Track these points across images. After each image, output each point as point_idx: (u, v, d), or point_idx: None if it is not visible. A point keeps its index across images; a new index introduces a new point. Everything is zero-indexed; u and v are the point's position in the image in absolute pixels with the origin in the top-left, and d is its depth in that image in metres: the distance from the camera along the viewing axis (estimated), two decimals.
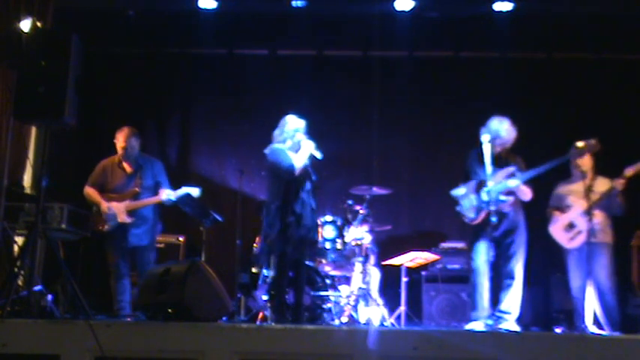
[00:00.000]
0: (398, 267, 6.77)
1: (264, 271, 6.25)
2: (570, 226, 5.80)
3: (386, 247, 7.16)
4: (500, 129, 5.50)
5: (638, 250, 6.45)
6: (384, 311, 6.32)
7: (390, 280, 6.90)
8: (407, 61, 8.11)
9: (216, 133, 8.24)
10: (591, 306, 5.54)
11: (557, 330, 6.11)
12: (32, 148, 6.68)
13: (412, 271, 6.94)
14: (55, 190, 5.11)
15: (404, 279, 6.67)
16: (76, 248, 6.58)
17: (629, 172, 5.59)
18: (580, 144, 5.44)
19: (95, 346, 3.79)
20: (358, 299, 6.31)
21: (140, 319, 4.77)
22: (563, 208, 5.89)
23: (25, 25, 6.06)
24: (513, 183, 5.39)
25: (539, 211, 6.43)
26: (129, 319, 5.24)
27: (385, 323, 6.22)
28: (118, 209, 5.75)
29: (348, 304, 6.21)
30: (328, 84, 8.07)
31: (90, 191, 5.89)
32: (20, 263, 4.48)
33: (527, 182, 5.48)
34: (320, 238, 6.19)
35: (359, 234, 6.51)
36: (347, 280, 6.49)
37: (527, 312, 6.80)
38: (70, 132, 5.50)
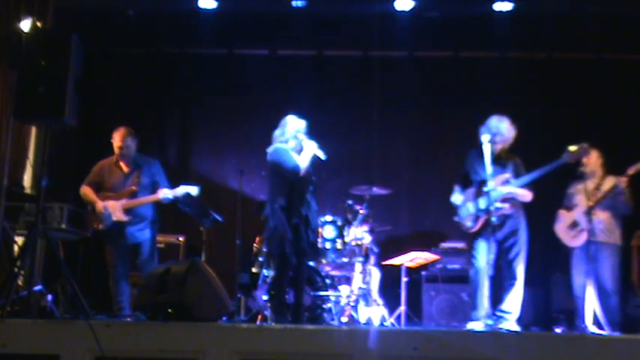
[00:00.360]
0: (398, 267, 6.77)
1: (264, 271, 6.25)
2: (574, 224, 5.82)
3: (386, 247, 7.16)
4: (500, 127, 5.51)
5: (638, 250, 6.45)
6: (384, 311, 6.32)
7: (390, 280, 6.91)
8: (407, 61, 8.11)
9: (216, 133, 8.24)
10: (591, 306, 5.54)
11: (557, 330, 6.11)
12: (32, 148, 6.68)
13: (412, 271, 6.94)
14: (55, 190, 5.11)
15: (404, 279, 6.67)
16: (76, 248, 6.58)
17: (631, 170, 5.62)
18: (572, 148, 5.46)
19: (95, 346, 3.79)
20: (358, 299, 6.31)
21: (140, 319, 4.77)
22: (570, 207, 5.93)
23: (25, 25, 6.05)
24: (506, 190, 5.40)
25: (539, 211, 6.43)
26: (129, 319, 5.24)
27: (385, 323, 6.22)
28: (114, 208, 5.75)
29: (348, 304, 6.21)
30: (328, 84, 8.07)
31: (86, 190, 5.89)
32: (20, 263, 4.48)
33: (527, 184, 5.49)
34: (320, 238, 6.19)
35: (359, 234, 6.51)
36: (347, 280, 6.49)
37: (528, 312, 6.80)
38: (70, 132, 5.50)
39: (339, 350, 3.93)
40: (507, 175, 5.46)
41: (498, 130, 5.49)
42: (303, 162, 5.30)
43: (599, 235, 5.64)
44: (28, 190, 6.42)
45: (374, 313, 6.28)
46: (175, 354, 3.96)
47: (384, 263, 6.83)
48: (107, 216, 5.73)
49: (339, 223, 6.42)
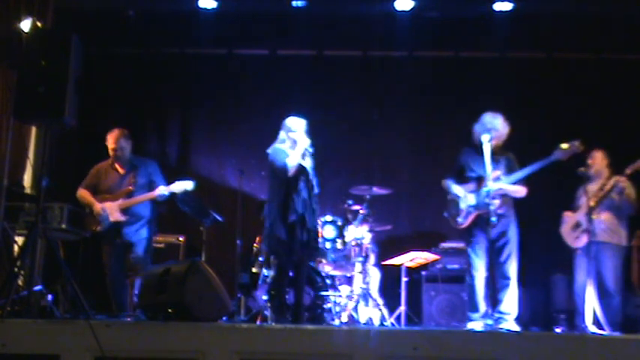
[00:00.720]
0: (398, 267, 6.77)
1: (264, 271, 6.25)
2: (577, 225, 5.84)
3: (386, 247, 7.16)
4: (495, 123, 5.54)
5: (638, 250, 6.45)
6: (384, 311, 6.32)
7: (390, 280, 6.90)
8: (407, 61, 8.10)
9: (216, 133, 8.24)
10: (591, 306, 5.54)
11: (557, 330, 6.11)
12: (32, 148, 6.68)
13: (412, 271, 6.94)
14: (55, 190, 5.11)
15: (404, 279, 6.67)
16: (76, 248, 6.58)
17: (629, 170, 5.64)
18: (564, 145, 5.46)
19: (95, 346, 3.79)
20: (358, 299, 6.31)
21: (140, 319, 4.77)
22: (575, 209, 5.96)
23: (25, 25, 6.06)
24: (497, 186, 5.41)
25: (539, 211, 6.44)
26: (129, 319, 5.24)
27: (385, 323, 6.22)
28: (112, 208, 5.76)
29: (348, 304, 6.21)
30: (328, 84, 8.06)
31: (82, 193, 5.90)
32: (20, 263, 4.48)
33: (522, 181, 5.50)
34: (320, 238, 6.19)
35: (359, 234, 6.51)
36: (347, 280, 6.49)
37: (527, 312, 6.80)
38: (70, 132, 5.50)
39: (339, 350, 3.93)
40: (499, 172, 5.48)
41: (493, 126, 5.53)
42: (291, 160, 5.31)
43: (601, 235, 5.65)
44: (28, 190, 6.42)
45: (374, 313, 6.28)
46: (175, 354, 3.96)
47: (384, 263, 6.83)
48: (105, 217, 5.74)
49: (339, 223, 6.42)
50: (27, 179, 6.55)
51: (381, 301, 6.39)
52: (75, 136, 7.25)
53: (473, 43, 7.93)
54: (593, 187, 5.76)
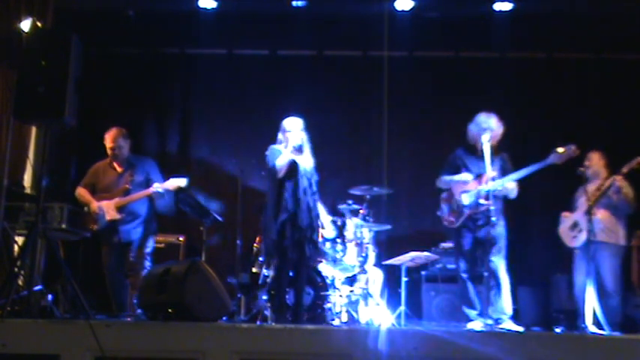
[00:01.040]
0: (398, 267, 6.76)
1: (264, 271, 6.25)
2: (574, 225, 5.86)
3: (386, 247, 7.15)
4: (490, 123, 5.57)
5: (638, 250, 6.45)
6: (385, 311, 6.32)
7: (390, 280, 6.90)
8: (407, 61, 8.10)
9: (216, 133, 8.24)
10: (591, 306, 5.55)
11: (557, 330, 6.11)
12: (32, 148, 6.67)
13: (412, 271, 6.93)
14: (55, 190, 5.11)
15: (404, 279, 6.66)
16: (76, 248, 6.58)
17: (625, 169, 5.67)
18: (560, 149, 5.49)
19: (95, 346, 3.79)
20: (358, 299, 6.31)
21: (140, 319, 4.77)
22: (573, 210, 5.98)
23: (25, 25, 6.06)
24: (491, 186, 5.43)
25: (539, 211, 6.45)
26: (129, 319, 5.24)
27: (385, 323, 6.22)
28: (108, 207, 5.77)
29: (348, 304, 6.21)
30: (328, 84, 8.06)
31: (81, 192, 5.94)
32: (20, 263, 4.48)
33: (516, 182, 5.55)
34: (320, 238, 6.18)
35: (359, 234, 6.50)
36: (347, 280, 6.48)
37: (528, 312, 6.80)
38: (70, 132, 5.50)
39: (339, 350, 3.93)
40: (494, 173, 5.49)
41: (488, 126, 5.55)
42: (280, 161, 5.32)
43: (599, 235, 5.66)
44: (28, 190, 6.42)
45: (374, 313, 6.27)
46: (175, 354, 3.96)
47: (384, 263, 6.82)
48: (101, 216, 5.76)
49: (339, 223, 6.42)
50: (27, 179, 6.55)
51: (381, 301, 6.38)
52: (75, 136, 7.25)
53: (473, 43, 7.93)
54: (591, 187, 5.77)
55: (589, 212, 5.58)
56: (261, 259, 6.39)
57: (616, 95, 7.71)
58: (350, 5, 7.67)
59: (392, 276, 6.91)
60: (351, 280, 6.50)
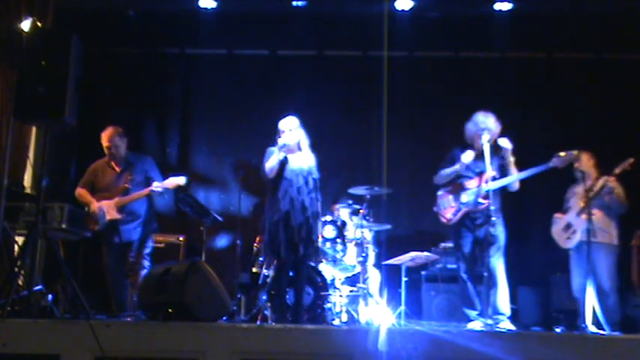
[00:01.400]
0: (398, 267, 6.76)
1: (264, 271, 6.25)
2: (568, 226, 5.87)
3: (386, 247, 7.15)
4: (487, 122, 5.59)
5: (638, 250, 6.45)
6: (385, 311, 6.32)
7: (390, 280, 6.90)
8: (407, 61, 8.10)
9: (215, 133, 8.24)
10: (591, 306, 5.55)
11: (557, 330, 6.11)
12: (32, 148, 6.67)
13: (412, 271, 6.93)
14: (55, 190, 5.12)
15: (404, 279, 6.66)
16: (76, 248, 6.58)
17: (618, 170, 5.68)
18: (562, 154, 5.53)
19: (95, 346, 3.79)
20: (358, 299, 6.31)
21: (140, 319, 4.77)
22: (565, 211, 5.98)
23: (25, 25, 6.05)
24: (491, 185, 5.44)
25: (539, 211, 6.44)
26: (129, 319, 5.24)
27: (385, 323, 6.21)
28: (108, 207, 5.77)
29: (348, 303, 6.21)
30: (328, 84, 8.06)
31: (81, 192, 5.94)
32: (20, 263, 4.48)
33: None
34: (320, 238, 6.18)
35: (359, 234, 6.50)
36: (347, 280, 6.48)
37: (528, 312, 6.81)
38: (70, 132, 5.50)
39: (339, 350, 3.93)
40: (493, 173, 5.51)
41: (487, 126, 5.56)
42: (269, 162, 5.34)
43: (594, 235, 5.65)
44: (28, 190, 6.42)
45: (374, 313, 6.27)
46: (175, 354, 3.96)
47: (384, 263, 6.82)
48: (101, 216, 5.76)
49: (339, 223, 6.42)
50: (27, 179, 6.55)
51: (381, 301, 6.38)
52: (75, 136, 7.25)
53: (473, 43, 7.93)
54: (581, 188, 5.78)
55: (588, 213, 5.57)
56: (261, 259, 6.40)
57: (616, 95, 7.71)
58: (350, 5, 7.67)
59: (392, 276, 6.91)
60: (350, 280, 6.49)
